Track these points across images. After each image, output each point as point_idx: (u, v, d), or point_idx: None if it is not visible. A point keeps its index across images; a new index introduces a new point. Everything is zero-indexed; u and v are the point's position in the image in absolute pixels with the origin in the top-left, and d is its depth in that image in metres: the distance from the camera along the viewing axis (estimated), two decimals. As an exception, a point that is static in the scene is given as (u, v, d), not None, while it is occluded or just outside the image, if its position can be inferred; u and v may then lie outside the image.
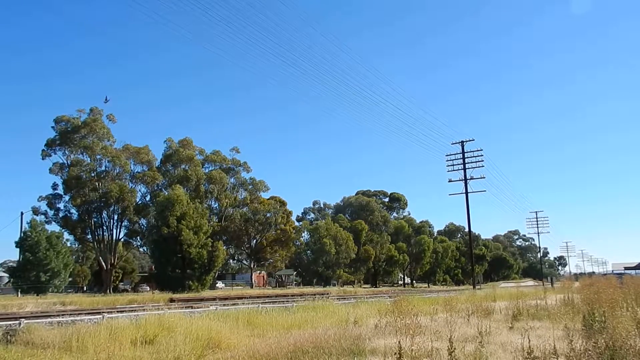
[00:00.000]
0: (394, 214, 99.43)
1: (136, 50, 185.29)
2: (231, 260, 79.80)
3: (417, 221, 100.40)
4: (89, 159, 57.41)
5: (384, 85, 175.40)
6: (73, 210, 56.98)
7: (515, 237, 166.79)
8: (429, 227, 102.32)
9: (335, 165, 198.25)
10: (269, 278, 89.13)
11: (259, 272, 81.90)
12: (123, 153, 58.72)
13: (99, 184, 56.73)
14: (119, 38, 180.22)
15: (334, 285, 70.36)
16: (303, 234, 79.05)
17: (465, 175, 44.64)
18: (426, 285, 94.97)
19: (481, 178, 44.60)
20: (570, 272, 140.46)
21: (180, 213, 46.37)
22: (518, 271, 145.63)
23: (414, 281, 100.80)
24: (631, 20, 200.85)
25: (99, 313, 17.04)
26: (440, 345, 7.56)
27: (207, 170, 65.19)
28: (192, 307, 19.96)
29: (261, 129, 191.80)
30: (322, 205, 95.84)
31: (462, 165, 44.96)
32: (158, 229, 47.23)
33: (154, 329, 11.27)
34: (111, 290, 55.91)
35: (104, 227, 58.31)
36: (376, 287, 77.92)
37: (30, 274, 43.93)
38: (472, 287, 45.42)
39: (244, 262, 77.44)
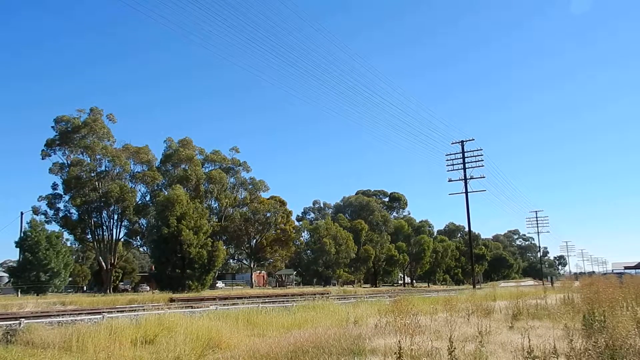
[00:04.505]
0: (394, 214, 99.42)
1: (136, 50, 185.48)
2: (231, 260, 79.80)
3: (417, 221, 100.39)
4: (89, 158, 57.40)
5: (383, 85, 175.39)
6: (73, 210, 57.02)
7: (515, 236, 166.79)
8: (429, 227, 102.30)
9: (335, 165, 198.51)
10: (269, 278, 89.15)
11: (259, 271, 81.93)
12: (123, 153, 58.69)
13: (99, 184, 56.72)
14: (119, 38, 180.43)
15: (334, 285, 70.37)
16: (303, 234, 79.09)
17: (465, 175, 44.63)
18: (426, 284, 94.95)
19: (481, 178, 44.60)
20: (570, 272, 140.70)
21: (180, 213, 46.36)
22: (518, 271, 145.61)
23: (414, 281, 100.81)
24: (631, 20, 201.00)
25: (99, 313, 17.04)
26: (440, 345, 7.56)
27: (207, 170, 65.18)
28: (192, 307, 19.95)
29: (261, 129, 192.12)
30: (322, 205, 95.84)
31: (462, 165, 44.92)
32: (158, 229, 47.23)
33: (154, 329, 11.27)
34: (111, 290, 55.91)
35: (104, 227, 58.30)
36: (376, 286, 77.92)
37: (30, 274, 43.92)
38: (472, 286, 45.41)
39: (244, 261, 77.42)
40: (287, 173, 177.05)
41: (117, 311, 18.60)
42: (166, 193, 53.05)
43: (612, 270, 73.93)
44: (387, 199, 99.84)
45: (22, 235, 46.44)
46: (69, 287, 61.44)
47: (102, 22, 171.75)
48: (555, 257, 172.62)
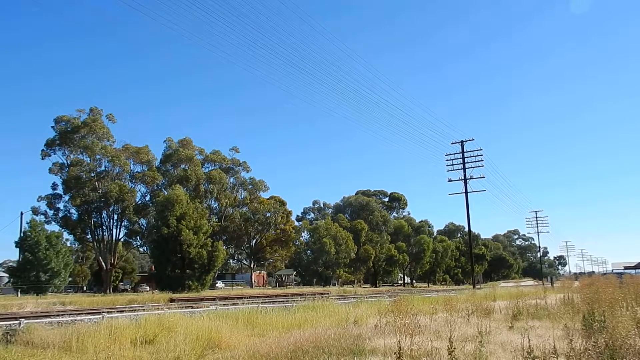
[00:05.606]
0: (394, 214, 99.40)
1: (136, 50, 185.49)
2: (231, 260, 79.75)
3: (417, 221, 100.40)
4: (88, 159, 57.35)
5: (383, 84, 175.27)
6: (73, 210, 56.97)
7: (515, 236, 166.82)
8: (429, 227, 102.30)
9: (335, 164, 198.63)
10: (269, 278, 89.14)
11: (258, 272, 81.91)
12: (123, 153, 58.69)
13: (98, 184, 56.69)
14: (119, 38, 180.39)
15: (334, 285, 70.36)
16: (303, 234, 79.11)
17: (465, 175, 44.65)
18: (426, 284, 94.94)
19: (481, 178, 44.63)
20: (570, 272, 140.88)
21: (180, 213, 46.35)
22: (518, 271, 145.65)
23: (414, 281, 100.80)
24: (631, 20, 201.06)
25: (98, 313, 17.04)
26: (440, 345, 7.56)
27: (206, 170, 65.19)
28: (192, 307, 19.96)
29: (261, 128, 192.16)
30: (322, 205, 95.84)
31: (461, 165, 44.94)
32: (158, 229, 47.20)
33: (154, 329, 11.27)
34: (111, 290, 55.89)
35: (104, 227, 58.27)
36: (376, 286, 77.90)
37: (30, 274, 43.90)
38: (472, 286, 45.43)
39: (244, 262, 77.42)
40: (287, 173, 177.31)
41: (117, 311, 18.60)
42: (166, 193, 53.02)
43: (612, 270, 73.99)
44: (387, 199, 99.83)
45: (22, 235, 46.44)
46: (69, 287, 61.45)
47: (102, 22, 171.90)
48: (555, 257, 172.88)
